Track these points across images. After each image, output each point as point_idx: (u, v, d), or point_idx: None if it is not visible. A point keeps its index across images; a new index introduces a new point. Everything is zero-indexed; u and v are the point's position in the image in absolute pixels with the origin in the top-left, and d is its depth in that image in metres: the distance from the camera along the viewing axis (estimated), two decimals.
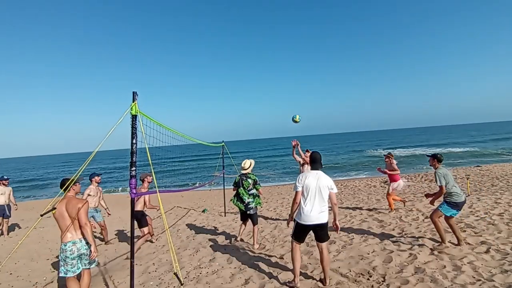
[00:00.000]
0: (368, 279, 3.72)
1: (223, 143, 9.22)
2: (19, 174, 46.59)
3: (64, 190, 3.48)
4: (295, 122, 6.33)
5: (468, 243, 4.54)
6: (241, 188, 5.34)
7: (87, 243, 3.47)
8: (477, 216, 5.92)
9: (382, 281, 3.61)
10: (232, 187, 5.59)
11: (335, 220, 3.59)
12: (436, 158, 4.67)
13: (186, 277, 4.26)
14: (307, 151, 6.71)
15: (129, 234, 6.86)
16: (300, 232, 3.62)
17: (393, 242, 4.93)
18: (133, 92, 3.34)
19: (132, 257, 3.44)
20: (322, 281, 3.68)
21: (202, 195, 14.85)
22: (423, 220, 6.03)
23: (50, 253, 6.05)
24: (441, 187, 4.46)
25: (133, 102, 3.31)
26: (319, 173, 3.63)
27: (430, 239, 4.85)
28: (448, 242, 4.62)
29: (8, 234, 7.76)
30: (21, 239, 3.89)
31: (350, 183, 14.96)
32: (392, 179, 7.26)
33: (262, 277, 4.04)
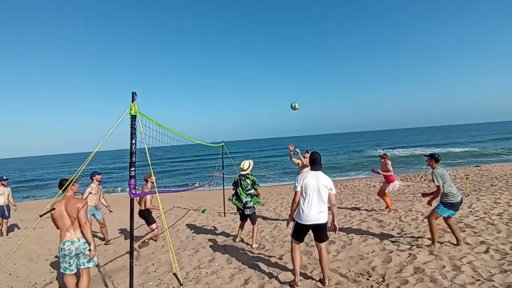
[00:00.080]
0: (368, 279, 3.72)
1: (222, 143, 9.22)
2: (18, 174, 46.55)
3: (63, 190, 3.52)
4: (294, 109, 6.23)
5: (468, 243, 4.55)
6: (240, 188, 5.40)
7: (86, 241, 3.49)
8: (477, 216, 5.93)
9: (382, 281, 3.61)
10: (232, 187, 5.66)
11: (333, 220, 3.60)
12: (433, 158, 4.68)
13: (185, 278, 4.26)
14: (306, 152, 6.71)
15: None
16: (299, 232, 3.62)
17: (393, 242, 4.93)
18: (133, 93, 3.35)
19: (131, 257, 3.44)
20: (322, 281, 3.68)
21: (202, 195, 14.85)
22: (423, 220, 6.04)
23: (50, 253, 6.05)
24: (438, 186, 4.46)
25: (132, 102, 3.31)
26: (318, 173, 3.64)
27: (429, 239, 4.85)
28: (447, 242, 4.63)
29: (7, 234, 7.76)
30: (20, 240, 3.89)
31: (349, 183, 14.97)
32: (388, 180, 7.23)
33: (261, 277, 4.04)
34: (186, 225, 7.91)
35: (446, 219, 4.60)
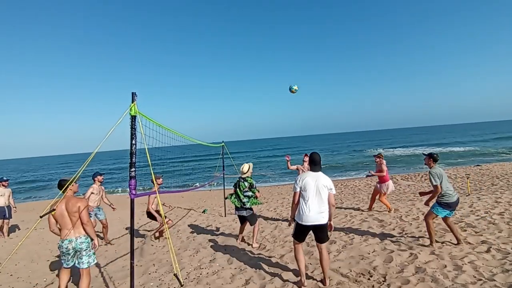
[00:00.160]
0: (369, 279, 3.71)
1: (223, 143, 9.21)
2: (20, 175, 46.58)
3: (63, 191, 3.58)
4: (292, 92, 6.15)
5: (469, 243, 4.54)
6: (238, 190, 5.49)
7: (83, 241, 3.54)
8: (478, 215, 5.92)
9: (383, 281, 3.60)
10: (233, 188, 5.72)
11: (329, 220, 3.59)
12: (432, 158, 4.67)
13: (186, 278, 4.25)
14: (305, 155, 6.69)
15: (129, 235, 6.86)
16: (300, 232, 3.61)
17: (394, 241, 4.92)
18: (132, 93, 3.34)
19: (132, 258, 3.44)
20: (323, 281, 3.67)
21: (202, 196, 14.85)
22: (423, 219, 6.02)
23: (51, 254, 6.05)
24: (436, 186, 4.45)
25: (132, 102, 3.30)
26: (318, 174, 3.61)
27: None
28: (448, 241, 4.63)
29: (8, 235, 7.76)
30: (21, 241, 3.90)
31: (350, 183, 14.96)
32: (381, 179, 7.19)
33: (262, 277, 4.04)
34: (187, 225, 7.91)
35: (444, 219, 4.60)
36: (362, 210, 7.58)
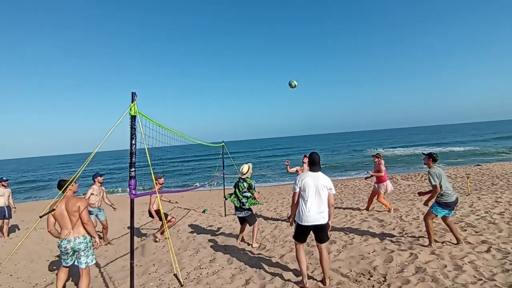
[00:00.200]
0: (369, 279, 3.71)
1: (223, 143, 9.21)
2: (20, 175, 46.58)
3: (63, 191, 3.61)
4: (292, 87, 6.12)
5: (469, 242, 4.54)
6: (237, 190, 5.50)
7: (81, 242, 3.56)
8: (478, 215, 5.92)
9: (383, 281, 3.60)
10: (233, 188, 5.73)
11: (328, 219, 3.58)
12: (431, 157, 4.67)
13: (186, 278, 4.25)
14: (305, 156, 6.68)
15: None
16: (300, 233, 3.61)
17: (394, 241, 4.92)
18: (132, 93, 3.34)
19: (132, 258, 3.44)
20: (323, 281, 3.67)
21: (202, 196, 14.84)
22: (423, 219, 6.02)
23: (51, 254, 6.05)
24: (435, 186, 4.45)
25: (132, 102, 3.30)
26: (317, 174, 3.60)
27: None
28: (449, 241, 4.62)
29: (8, 235, 7.75)
30: (21, 241, 3.91)
31: (350, 183, 14.95)
32: (379, 180, 7.19)
33: (262, 277, 4.03)
34: (187, 225, 7.90)
35: (444, 219, 4.60)
36: (362, 210, 7.57)
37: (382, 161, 7.23)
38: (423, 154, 4.94)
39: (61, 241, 3.58)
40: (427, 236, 4.67)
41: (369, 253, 4.50)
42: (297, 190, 3.60)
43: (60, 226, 3.59)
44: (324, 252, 3.58)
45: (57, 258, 5.66)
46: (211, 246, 5.67)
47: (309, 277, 3.86)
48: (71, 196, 3.68)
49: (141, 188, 14.63)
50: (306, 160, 6.48)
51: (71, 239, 3.54)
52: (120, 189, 22.62)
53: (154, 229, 7.76)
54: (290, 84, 6.07)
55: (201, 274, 4.35)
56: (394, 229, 5.65)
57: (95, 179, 6.40)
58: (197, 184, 20.94)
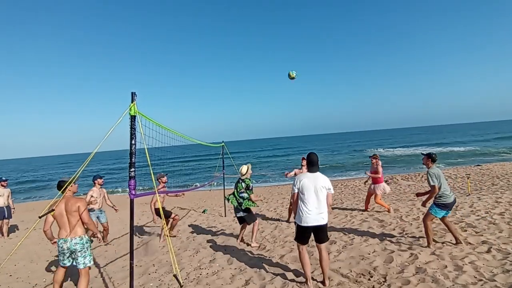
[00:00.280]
0: (369, 279, 3.70)
1: (223, 143, 9.20)
2: (20, 175, 46.59)
3: (62, 192, 3.65)
4: (291, 78, 6.00)
5: (469, 243, 4.53)
6: (235, 190, 5.52)
7: (77, 242, 3.59)
8: (478, 215, 5.91)
9: (383, 282, 3.59)
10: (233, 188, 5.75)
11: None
12: (430, 158, 4.67)
13: (186, 278, 4.24)
14: (303, 158, 6.67)
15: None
16: (301, 234, 3.60)
17: (394, 242, 4.91)
18: (132, 93, 3.33)
19: (131, 258, 3.43)
20: (323, 282, 3.66)
21: (202, 196, 14.85)
22: (422, 221, 6.01)
23: (50, 254, 6.04)
24: (433, 186, 4.45)
25: (132, 102, 3.29)
26: (316, 175, 3.59)
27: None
28: (449, 242, 4.61)
29: (8, 235, 7.75)
30: (20, 241, 3.91)
31: (350, 183, 14.95)
32: (376, 181, 7.18)
33: (262, 277, 4.03)
34: (187, 225, 7.89)
35: (442, 219, 4.61)
36: (362, 210, 7.56)
37: (380, 162, 7.23)
38: (422, 154, 4.94)
39: (59, 241, 3.64)
40: (438, 234, 4.66)
41: (369, 254, 4.50)
42: (296, 191, 3.61)
43: (59, 226, 3.63)
44: (323, 253, 3.58)
45: (56, 258, 5.65)
46: (211, 247, 5.66)
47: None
48: (71, 196, 3.71)
49: (140, 188, 14.62)
50: (305, 162, 6.48)
51: (67, 239, 3.57)
52: (120, 189, 22.62)
53: (155, 227, 7.75)
54: (289, 76, 6.01)
55: (201, 274, 4.34)
56: (394, 229, 5.64)
57: (95, 181, 6.41)
58: (197, 184, 20.93)
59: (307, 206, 3.49)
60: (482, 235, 4.78)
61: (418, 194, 5.01)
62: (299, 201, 3.57)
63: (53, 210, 3.57)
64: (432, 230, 4.63)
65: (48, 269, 5.19)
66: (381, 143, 59.27)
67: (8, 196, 7.76)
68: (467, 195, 8.40)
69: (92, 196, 6.25)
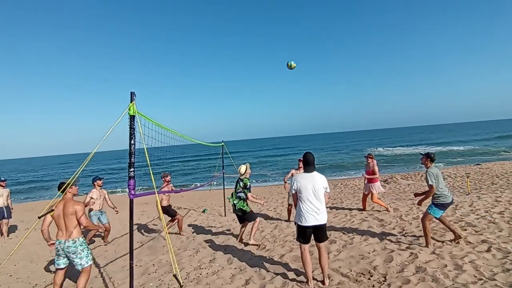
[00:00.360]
0: (369, 278, 3.70)
1: (222, 143, 9.20)
2: (20, 175, 46.57)
3: (62, 192, 3.71)
4: (290, 68, 6.00)
5: (469, 242, 4.53)
6: (234, 189, 5.56)
7: (70, 245, 3.63)
8: (478, 214, 5.91)
9: (383, 281, 3.59)
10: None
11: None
12: (429, 157, 4.68)
13: (186, 278, 4.24)
14: (300, 160, 6.67)
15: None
16: (302, 234, 3.60)
17: (394, 241, 4.91)
18: (131, 93, 3.32)
19: (131, 258, 3.43)
20: (322, 281, 3.66)
21: (202, 195, 14.84)
22: (421, 221, 6.01)
23: (50, 254, 6.03)
24: (431, 186, 4.46)
25: (131, 102, 3.29)
26: (313, 174, 3.59)
27: (431, 238, 4.83)
28: (449, 241, 4.62)
29: (8, 235, 7.75)
30: (20, 241, 3.92)
31: (350, 182, 14.95)
32: (372, 180, 7.22)
33: (262, 277, 4.02)
34: (187, 225, 7.89)
35: (438, 218, 4.63)
36: (361, 210, 7.56)
37: (375, 162, 7.27)
38: (421, 154, 4.94)
39: (56, 241, 3.72)
40: (438, 234, 4.69)
41: (369, 253, 4.49)
42: (293, 191, 3.64)
43: (57, 227, 3.69)
44: (323, 252, 3.58)
45: None
46: (211, 246, 5.66)
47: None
48: (70, 198, 3.76)
49: (140, 188, 14.62)
50: (301, 164, 6.48)
51: (61, 241, 3.64)
52: (120, 189, 22.62)
53: (155, 224, 7.76)
54: (289, 66, 5.97)
55: (201, 274, 4.34)
56: (394, 228, 5.64)
57: (95, 183, 6.43)
58: (197, 184, 20.93)
59: (306, 206, 3.50)
60: (482, 234, 4.78)
61: (416, 194, 5.01)
62: (298, 201, 3.58)
63: (52, 210, 3.60)
64: (430, 230, 4.65)
65: (48, 269, 5.18)
66: (381, 142, 59.29)
67: (8, 196, 7.75)
68: (466, 194, 8.41)
69: (92, 198, 6.27)
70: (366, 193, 7.36)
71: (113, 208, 6.77)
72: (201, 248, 5.61)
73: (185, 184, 22.31)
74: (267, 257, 4.77)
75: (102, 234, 6.79)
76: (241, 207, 5.37)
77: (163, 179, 6.78)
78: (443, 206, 4.53)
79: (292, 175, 6.86)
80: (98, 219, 6.40)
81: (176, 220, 6.84)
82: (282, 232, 6.15)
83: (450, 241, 4.60)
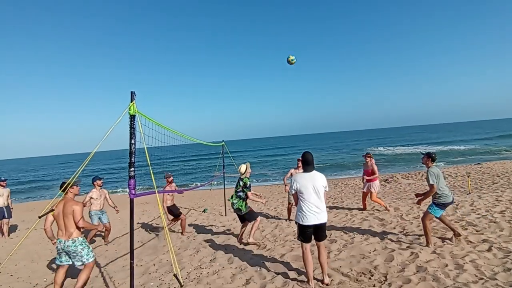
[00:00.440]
0: (370, 278, 3.70)
1: (223, 143, 9.19)
2: (20, 175, 46.62)
3: (63, 191, 3.74)
4: (290, 63, 5.99)
5: (470, 241, 4.52)
6: (235, 189, 5.56)
7: (69, 245, 3.67)
8: (479, 214, 5.90)
9: (384, 280, 3.59)
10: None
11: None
12: (430, 157, 4.68)
13: (186, 278, 4.24)
14: (299, 160, 6.67)
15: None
16: (303, 233, 3.60)
17: (395, 240, 4.90)
18: (131, 92, 3.32)
19: (132, 258, 3.43)
20: (322, 280, 3.66)
21: (203, 195, 14.84)
22: (421, 220, 6.00)
23: (51, 254, 6.04)
24: (432, 185, 4.46)
25: (131, 102, 3.29)
26: (312, 174, 3.59)
27: (431, 237, 4.82)
28: (449, 240, 4.61)
29: (9, 235, 7.75)
30: (20, 240, 3.93)
31: (350, 182, 14.94)
32: (372, 179, 7.24)
33: (263, 277, 4.02)
34: (187, 225, 7.89)
35: (438, 217, 4.64)
36: (362, 209, 7.56)
37: (373, 160, 7.29)
38: (422, 153, 4.94)
39: (57, 241, 3.77)
40: (439, 233, 4.69)
41: (370, 252, 4.49)
42: (293, 192, 3.64)
43: (57, 226, 3.74)
44: (322, 249, 3.60)
45: None
46: (211, 246, 5.66)
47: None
48: (70, 198, 3.80)
49: (140, 187, 14.63)
50: (300, 163, 6.49)
51: (61, 240, 3.69)
52: (120, 189, 22.64)
53: (156, 228, 7.76)
54: (289, 61, 5.96)
55: (201, 273, 4.34)
56: (394, 228, 5.63)
57: (94, 183, 6.43)
58: (197, 183, 20.93)
59: (307, 205, 3.50)
60: (482, 234, 4.77)
61: (417, 195, 5.00)
62: (299, 201, 3.58)
63: (52, 210, 3.62)
64: (431, 229, 4.65)
65: (48, 269, 5.19)
66: (382, 141, 59.26)
67: (8, 196, 7.76)
68: (467, 194, 8.39)
69: (91, 198, 6.29)
70: (365, 191, 7.37)
71: (114, 208, 6.78)
72: (201, 247, 5.61)
73: (185, 183, 22.31)
74: (268, 257, 4.76)
75: (103, 234, 6.80)
76: (239, 206, 5.37)
77: (166, 180, 6.86)
78: (443, 206, 4.54)
79: (291, 174, 6.85)
80: (99, 218, 6.41)
81: (179, 220, 6.89)
82: (282, 232, 6.14)
83: (450, 238, 4.60)
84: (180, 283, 3.77)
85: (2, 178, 7.77)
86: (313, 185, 3.50)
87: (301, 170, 6.37)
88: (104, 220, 6.50)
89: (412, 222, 5.83)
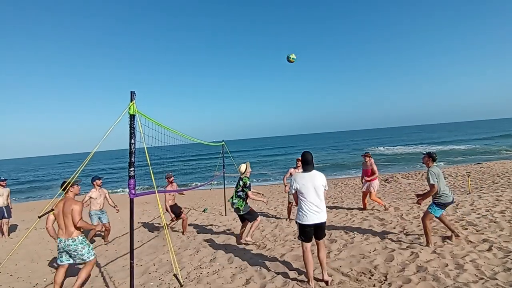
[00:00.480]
0: (370, 278, 3.69)
1: (223, 142, 9.19)
2: (20, 175, 46.63)
3: (63, 190, 3.75)
4: (290, 61, 5.96)
5: (470, 241, 4.52)
6: (235, 188, 5.56)
7: (70, 244, 3.69)
8: (479, 213, 5.90)
9: (384, 280, 3.58)
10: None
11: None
12: (431, 157, 4.68)
13: (186, 278, 4.24)
14: (298, 160, 6.67)
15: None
16: (304, 232, 3.60)
17: (395, 240, 4.90)
18: (131, 92, 3.32)
19: (131, 257, 3.43)
20: (322, 279, 3.66)
21: (203, 195, 14.84)
22: (421, 220, 6.00)
23: (51, 254, 6.04)
24: (432, 185, 4.46)
25: (131, 101, 3.28)
26: (312, 173, 3.59)
27: (432, 237, 4.82)
28: (449, 240, 4.61)
29: (9, 235, 7.75)
30: (20, 240, 3.93)
31: (350, 182, 14.93)
32: (372, 178, 7.26)
33: (263, 276, 4.02)
34: (187, 224, 7.89)
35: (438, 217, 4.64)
36: (362, 209, 7.56)
37: (372, 160, 7.30)
38: (422, 153, 4.94)
39: (57, 239, 3.79)
40: (439, 233, 4.70)
41: (370, 252, 4.49)
42: (294, 191, 3.64)
43: (58, 225, 3.76)
44: (321, 247, 3.61)
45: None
46: (211, 246, 5.66)
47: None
48: (70, 198, 3.81)
49: (140, 187, 14.63)
50: (300, 163, 6.49)
51: (62, 239, 3.71)
52: (120, 188, 22.64)
53: (156, 224, 7.76)
54: (288, 59, 5.93)
55: (201, 273, 4.34)
56: (394, 228, 5.63)
57: (94, 183, 6.43)
58: (198, 183, 20.93)
59: (307, 205, 3.50)
60: (483, 233, 4.77)
61: (418, 195, 5.00)
62: (299, 201, 3.58)
63: (52, 210, 3.63)
64: (431, 229, 4.65)
65: (48, 269, 5.19)
66: (382, 141, 59.25)
67: (8, 195, 7.75)
68: (467, 193, 8.39)
69: (91, 197, 6.29)
70: (364, 191, 7.38)
71: (114, 207, 6.78)
72: (201, 247, 5.61)
73: (185, 183, 22.31)
74: (268, 257, 4.76)
75: (103, 234, 6.81)
76: (238, 206, 5.37)
77: (167, 180, 6.94)
78: (443, 205, 4.54)
79: (291, 174, 6.85)
80: (99, 218, 6.41)
81: (181, 219, 6.95)
82: (282, 231, 6.14)
83: (450, 237, 4.61)
84: (180, 283, 3.77)
85: (2, 178, 7.77)
86: (313, 185, 3.50)
87: (300, 169, 6.38)
88: (104, 220, 6.50)
89: (412, 222, 5.83)
